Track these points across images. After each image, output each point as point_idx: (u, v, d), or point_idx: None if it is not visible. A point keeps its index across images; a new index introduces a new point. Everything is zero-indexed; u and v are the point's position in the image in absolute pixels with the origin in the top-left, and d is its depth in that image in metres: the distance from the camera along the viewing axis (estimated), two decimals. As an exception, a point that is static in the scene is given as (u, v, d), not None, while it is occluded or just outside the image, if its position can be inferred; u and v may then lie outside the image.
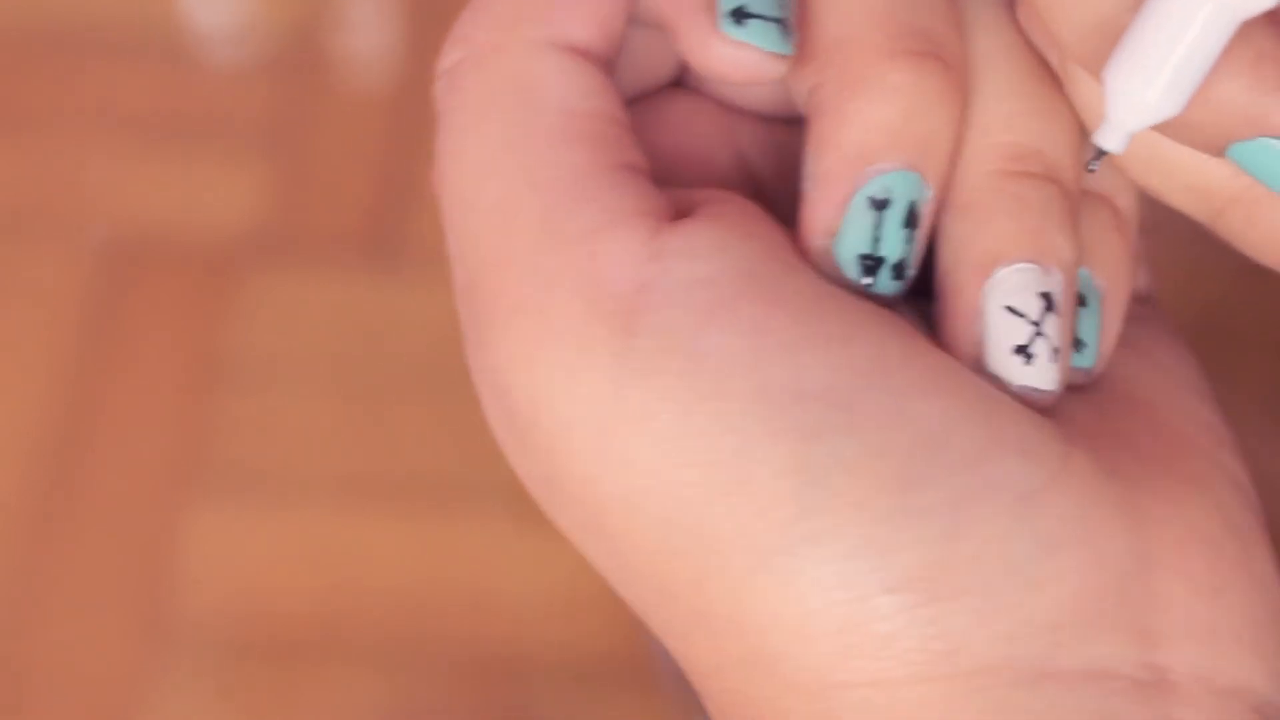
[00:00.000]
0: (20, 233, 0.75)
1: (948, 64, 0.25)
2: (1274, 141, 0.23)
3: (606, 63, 0.26)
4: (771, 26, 0.24)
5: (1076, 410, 0.25)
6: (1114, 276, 0.26)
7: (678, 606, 0.24)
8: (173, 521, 0.68)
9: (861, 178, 0.24)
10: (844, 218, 0.25)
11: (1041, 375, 0.24)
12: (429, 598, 0.66)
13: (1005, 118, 0.25)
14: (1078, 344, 0.25)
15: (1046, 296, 0.24)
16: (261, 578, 0.67)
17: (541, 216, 0.24)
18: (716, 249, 0.24)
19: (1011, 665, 0.23)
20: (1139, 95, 0.23)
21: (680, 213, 0.25)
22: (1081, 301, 0.26)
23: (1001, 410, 0.24)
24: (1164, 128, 0.23)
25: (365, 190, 0.72)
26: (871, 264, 0.25)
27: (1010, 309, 0.24)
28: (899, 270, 0.25)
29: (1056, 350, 0.24)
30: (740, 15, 0.24)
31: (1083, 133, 0.26)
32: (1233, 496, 0.25)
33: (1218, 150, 0.23)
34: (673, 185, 0.26)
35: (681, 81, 0.27)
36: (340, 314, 0.72)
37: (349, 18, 0.80)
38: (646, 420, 0.23)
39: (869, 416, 0.23)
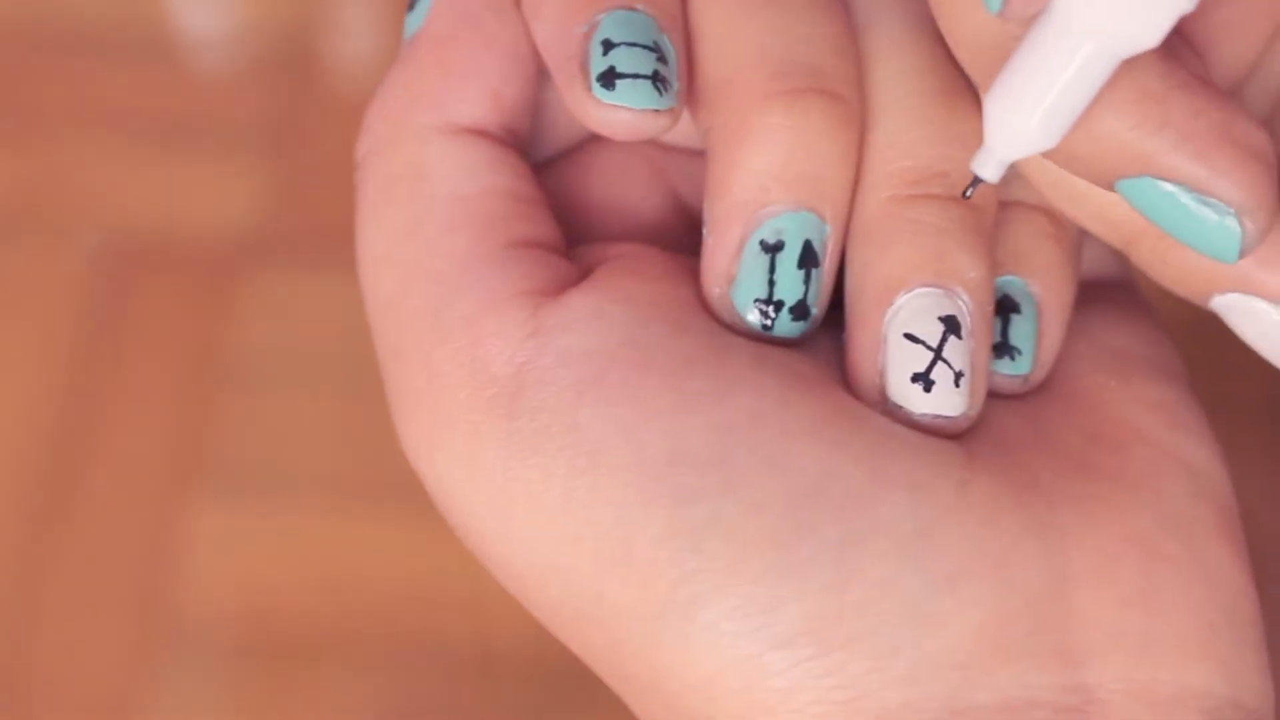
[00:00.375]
0: (19, 234, 0.75)
1: (835, 96, 0.24)
2: (1158, 180, 0.22)
3: (509, 132, 0.26)
4: (643, 84, 0.24)
5: (1007, 421, 0.25)
6: (1050, 283, 0.25)
7: (604, 668, 0.24)
8: (173, 521, 0.68)
9: (753, 222, 0.24)
10: (738, 263, 0.24)
11: (943, 402, 0.24)
12: (429, 597, 0.66)
13: (906, 143, 0.25)
14: (1011, 351, 0.25)
15: (949, 320, 0.24)
16: (262, 577, 0.67)
17: (428, 307, 0.25)
18: (593, 318, 0.24)
19: (918, 708, 0.22)
20: (1016, 126, 0.22)
21: (586, 273, 0.25)
22: (1016, 309, 0.25)
23: (890, 446, 0.23)
24: (1055, 158, 0.23)
25: (364, 190, 0.72)
26: (769, 308, 0.24)
27: (909, 336, 0.24)
28: (800, 311, 0.24)
29: (961, 374, 0.24)
30: (610, 77, 0.24)
31: None
32: (1180, 488, 0.24)
33: (1106, 184, 0.23)
34: (598, 236, 0.26)
35: None
36: (340, 314, 0.72)
37: (344, 19, 0.80)
38: (535, 499, 0.23)
39: (744, 473, 0.23)
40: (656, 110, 0.24)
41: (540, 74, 0.26)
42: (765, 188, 0.24)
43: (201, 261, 0.74)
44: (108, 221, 0.75)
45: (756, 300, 0.24)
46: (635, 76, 0.24)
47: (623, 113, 0.24)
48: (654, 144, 0.27)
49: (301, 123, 0.77)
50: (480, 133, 0.26)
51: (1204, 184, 0.22)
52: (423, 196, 0.25)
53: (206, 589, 0.67)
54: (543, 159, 0.27)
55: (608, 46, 0.24)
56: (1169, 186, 0.22)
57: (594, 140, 0.27)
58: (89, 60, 0.79)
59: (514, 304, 0.24)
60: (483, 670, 0.65)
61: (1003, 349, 0.25)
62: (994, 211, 0.25)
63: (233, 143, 0.77)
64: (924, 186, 0.24)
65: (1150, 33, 0.21)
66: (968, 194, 0.24)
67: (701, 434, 0.23)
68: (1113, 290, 0.27)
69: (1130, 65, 0.22)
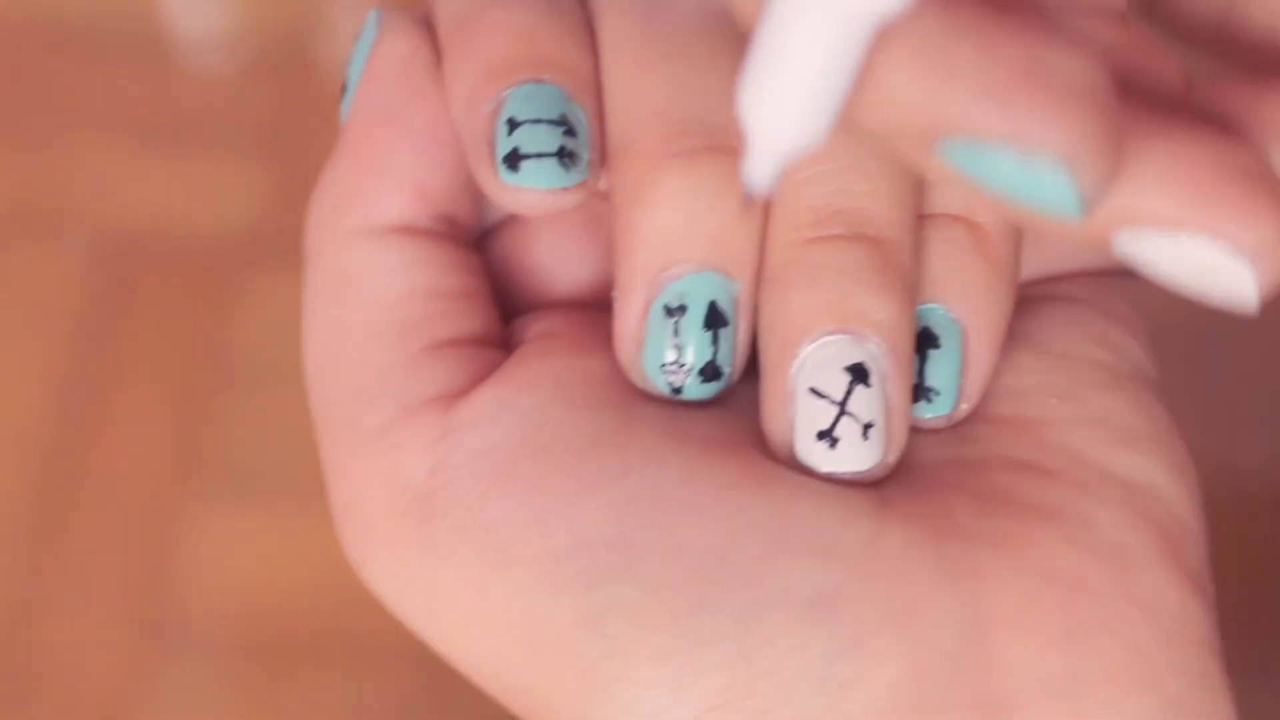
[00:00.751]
0: (19, 235, 0.75)
1: (732, 152, 0.23)
2: (968, 140, 0.18)
3: (441, 220, 0.26)
4: (548, 163, 0.24)
5: (929, 458, 0.24)
6: (974, 305, 0.24)
7: None
8: (173, 521, 0.68)
9: (656, 286, 0.24)
10: (645, 328, 0.24)
11: (849, 458, 0.23)
12: (429, 597, 0.66)
13: (802, 182, 0.23)
14: (928, 393, 0.24)
15: (856, 369, 0.23)
16: (262, 577, 0.67)
17: (347, 419, 0.25)
18: (498, 412, 0.24)
19: None
20: (773, 126, 0.19)
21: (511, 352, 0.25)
22: (934, 343, 0.24)
23: (796, 507, 0.23)
24: (862, 132, 0.19)
25: (364, 190, 0.72)
26: (677, 372, 0.24)
27: (813, 390, 0.23)
28: (709, 373, 0.24)
29: (869, 425, 0.23)
30: (514, 159, 0.24)
31: (905, 178, 0.24)
32: (1113, 514, 0.23)
33: (925, 155, 0.19)
34: (539, 300, 0.26)
35: None
36: (339, 314, 0.72)
37: (342, 20, 0.80)
38: (455, 597, 0.23)
39: (644, 553, 0.22)
40: (565, 188, 0.24)
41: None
42: (666, 251, 0.24)
43: (201, 261, 0.74)
44: (108, 221, 0.75)
45: (664, 365, 0.24)
46: (540, 156, 0.24)
47: (529, 194, 0.24)
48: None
49: (300, 123, 0.77)
50: (406, 230, 0.25)
51: (1012, 136, 0.18)
52: (346, 305, 0.25)
53: (206, 589, 0.67)
54: (494, 222, 0.27)
55: (513, 125, 0.24)
56: (984, 145, 0.18)
57: None
58: (89, 60, 0.79)
59: (427, 409, 0.24)
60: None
61: (919, 391, 0.24)
62: (908, 238, 0.24)
63: (232, 143, 0.77)
64: (822, 228, 0.23)
65: None
66: (747, 204, 0.21)
67: (604, 516, 0.23)
68: (1066, 285, 0.26)
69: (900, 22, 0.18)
